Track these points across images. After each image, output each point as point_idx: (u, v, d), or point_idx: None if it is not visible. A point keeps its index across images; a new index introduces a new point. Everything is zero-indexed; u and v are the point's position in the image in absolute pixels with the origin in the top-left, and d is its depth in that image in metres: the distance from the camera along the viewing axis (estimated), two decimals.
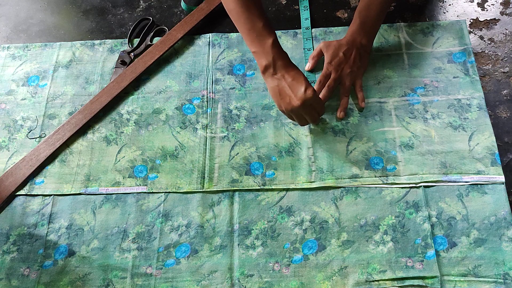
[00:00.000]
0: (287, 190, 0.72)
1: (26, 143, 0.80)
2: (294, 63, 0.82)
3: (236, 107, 0.80)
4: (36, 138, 0.80)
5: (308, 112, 0.69)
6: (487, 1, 0.87)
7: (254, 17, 0.67)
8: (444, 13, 0.86)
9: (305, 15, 0.88)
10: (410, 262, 0.66)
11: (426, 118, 0.76)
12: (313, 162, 0.74)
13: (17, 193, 0.75)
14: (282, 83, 0.68)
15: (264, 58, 0.67)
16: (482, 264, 0.65)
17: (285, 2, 0.91)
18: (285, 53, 0.69)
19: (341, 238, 0.68)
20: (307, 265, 0.67)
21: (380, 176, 0.72)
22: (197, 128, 0.79)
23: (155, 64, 0.85)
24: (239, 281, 0.66)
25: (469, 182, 0.70)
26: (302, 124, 0.73)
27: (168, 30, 0.88)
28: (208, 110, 0.80)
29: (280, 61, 0.68)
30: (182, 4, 0.92)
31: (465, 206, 0.69)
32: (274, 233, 0.69)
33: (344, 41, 0.77)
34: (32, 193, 0.75)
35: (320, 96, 0.77)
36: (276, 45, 0.68)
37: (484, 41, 0.83)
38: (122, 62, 0.86)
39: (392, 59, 0.82)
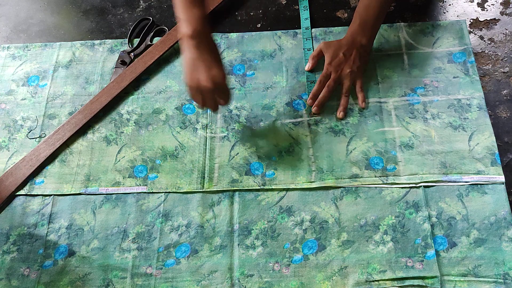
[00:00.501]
0: (287, 190, 0.72)
1: (26, 143, 0.80)
2: (294, 62, 0.83)
3: (236, 107, 0.80)
4: (36, 138, 0.80)
5: (211, 97, 0.66)
6: (487, 1, 0.87)
7: None
8: (444, 13, 0.86)
9: (305, 15, 0.88)
10: (410, 262, 0.66)
11: (426, 118, 0.76)
12: (313, 162, 0.74)
13: (17, 193, 0.75)
14: (200, 59, 0.64)
15: (191, 27, 0.63)
16: (482, 264, 0.65)
17: (285, 2, 0.91)
18: (210, 29, 0.65)
19: (341, 238, 0.68)
20: (307, 265, 0.67)
21: (380, 176, 0.72)
22: (197, 128, 0.79)
23: (155, 64, 0.85)
24: (239, 281, 0.66)
25: (469, 182, 0.70)
26: (201, 106, 0.69)
27: (168, 30, 0.88)
28: (208, 110, 0.80)
29: (206, 37, 0.64)
30: None
31: (465, 206, 0.69)
32: (274, 233, 0.69)
33: (344, 41, 0.77)
34: (32, 193, 0.75)
35: (320, 96, 0.77)
36: (206, 20, 0.64)
37: (484, 41, 0.83)
38: (122, 62, 0.86)
39: (392, 59, 0.82)
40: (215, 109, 0.70)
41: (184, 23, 0.64)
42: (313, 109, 0.77)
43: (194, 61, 0.64)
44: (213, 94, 0.66)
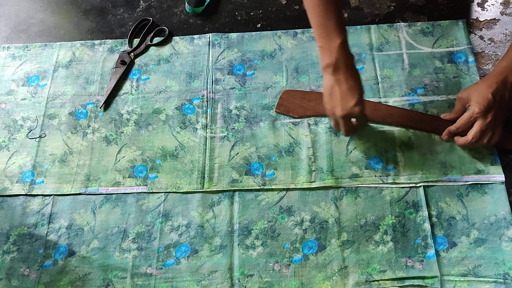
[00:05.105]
0: (287, 190, 0.72)
1: (26, 143, 0.80)
2: (294, 62, 0.83)
3: (236, 107, 0.80)
4: (36, 138, 0.80)
5: (345, 124, 0.68)
6: (487, 1, 0.87)
7: (328, 13, 0.64)
8: (444, 13, 0.86)
9: None
10: (410, 262, 0.66)
11: None
12: (313, 162, 0.74)
13: (17, 193, 0.75)
14: (336, 87, 0.65)
15: (328, 56, 0.65)
16: (482, 264, 0.65)
17: (285, 2, 0.91)
18: (351, 57, 0.66)
19: (341, 238, 0.68)
20: (307, 265, 0.67)
21: (380, 176, 0.72)
22: (197, 128, 0.79)
23: (155, 64, 0.85)
24: (239, 281, 0.66)
25: (469, 181, 0.70)
26: (336, 129, 0.72)
27: (168, 30, 0.88)
28: (208, 110, 0.80)
29: (343, 65, 0.65)
30: (187, 6, 0.92)
31: (465, 206, 0.69)
32: (274, 233, 0.69)
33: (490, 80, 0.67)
34: (32, 193, 0.75)
35: (459, 143, 0.71)
36: (343, 46, 0.64)
37: (484, 41, 0.83)
38: (122, 62, 0.86)
39: (392, 59, 0.82)
40: (346, 134, 0.73)
41: (321, 51, 0.66)
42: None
43: (328, 88, 0.66)
44: (347, 121, 0.68)
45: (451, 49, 0.82)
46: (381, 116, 0.76)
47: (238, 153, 0.76)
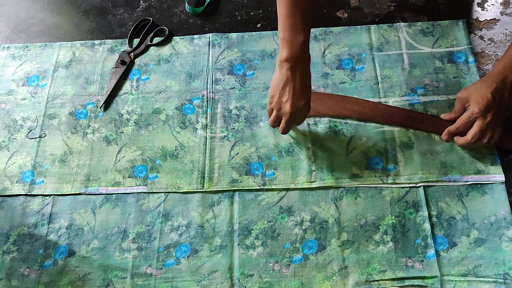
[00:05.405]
0: (287, 190, 0.72)
1: (26, 143, 0.80)
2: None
3: (236, 107, 0.80)
4: (36, 138, 0.80)
5: (288, 121, 0.67)
6: (487, 1, 0.87)
7: (298, 6, 0.63)
8: (444, 13, 0.86)
9: None
10: (410, 262, 0.66)
11: None
12: (313, 162, 0.74)
13: (17, 193, 0.75)
14: (290, 83, 0.64)
15: (289, 50, 0.63)
16: (482, 264, 0.65)
17: None
18: (309, 56, 0.66)
19: (341, 238, 0.68)
20: (307, 265, 0.67)
21: (380, 176, 0.72)
22: (197, 128, 0.79)
23: (155, 64, 0.85)
24: (239, 281, 0.66)
25: (469, 181, 0.70)
26: (273, 125, 0.70)
27: (168, 30, 0.88)
28: (208, 110, 0.80)
29: (302, 63, 0.65)
30: (187, 6, 0.92)
31: (465, 206, 0.69)
32: (274, 233, 0.69)
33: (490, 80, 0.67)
34: (32, 193, 0.75)
35: (459, 143, 0.71)
36: (305, 45, 0.64)
37: (484, 41, 0.83)
38: (122, 62, 0.86)
39: (392, 59, 0.82)
40: (284, 132, 0.69)
41: (282, 43, 0.64)
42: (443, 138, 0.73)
43: (281, 82, 0.65)
44: (290, 120, 0.67)
45: (451, 49, 0.82)
46: (381, 116, 0.76)
47: (238, 153, 0.76)
